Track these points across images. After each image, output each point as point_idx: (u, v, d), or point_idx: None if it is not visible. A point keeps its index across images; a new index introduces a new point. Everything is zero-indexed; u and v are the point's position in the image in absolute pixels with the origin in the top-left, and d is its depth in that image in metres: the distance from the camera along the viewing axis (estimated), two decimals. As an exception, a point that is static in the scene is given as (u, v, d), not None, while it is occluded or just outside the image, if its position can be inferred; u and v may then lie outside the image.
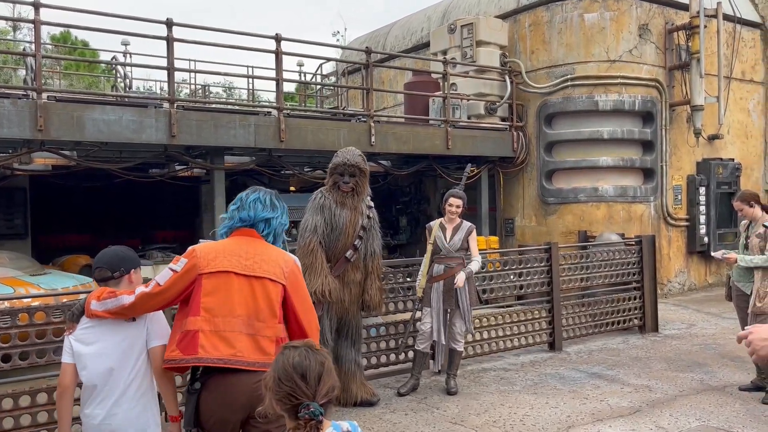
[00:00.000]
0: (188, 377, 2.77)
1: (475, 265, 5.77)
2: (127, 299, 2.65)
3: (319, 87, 17.74)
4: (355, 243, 5.20)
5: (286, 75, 13.55)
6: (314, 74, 16.77)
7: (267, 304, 2.69)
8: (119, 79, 14.12)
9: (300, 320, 2.79)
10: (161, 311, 2.81)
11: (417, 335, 5.97)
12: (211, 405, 2.61)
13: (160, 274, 2.70)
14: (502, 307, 7.56)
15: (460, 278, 5.62)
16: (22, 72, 12.99)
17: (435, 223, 5.92)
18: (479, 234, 11.20)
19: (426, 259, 5.84)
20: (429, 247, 5.83)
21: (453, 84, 11.10)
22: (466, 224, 5.86)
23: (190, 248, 2.77)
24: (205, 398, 2.62)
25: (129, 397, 2.69)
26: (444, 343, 5.91)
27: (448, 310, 5.76)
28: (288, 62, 29.96)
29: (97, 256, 2.88)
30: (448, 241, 5.77)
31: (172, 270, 2.69)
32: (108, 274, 2.81)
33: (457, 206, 5.79)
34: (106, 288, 2.76)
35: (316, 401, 1.81)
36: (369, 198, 5.40)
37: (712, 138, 11.81)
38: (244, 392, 2.56)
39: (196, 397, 2.64)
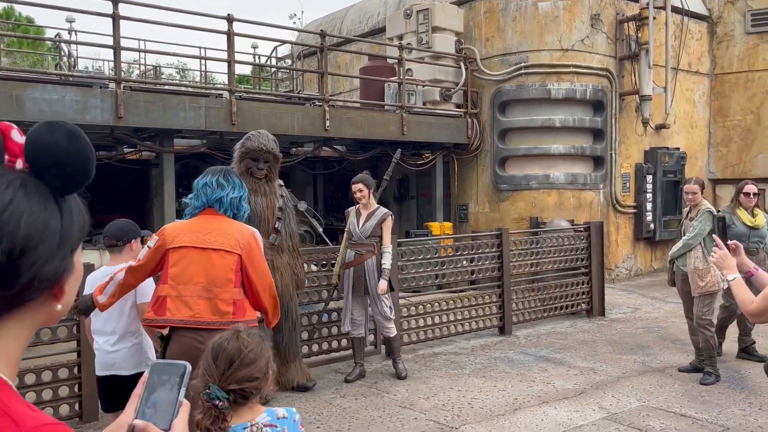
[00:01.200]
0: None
1: (387, 259, 5.62)
2: (121, 275, 3.26)
3: (273, 70, 17.48)
4: (276, 226, 5.18)
5: (240, 57, 13.26)
6: (269, 57, 16.49)
7: (222, 272, 3.16)
8: (64, 58, 13.57)
9: (255, 287, 3.23)
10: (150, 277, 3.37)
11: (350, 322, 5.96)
12: (169, 353, 3.13)
13: (142, 251, 3.29)
14: (454, 291, 7.63)
15: (382, 286, 5.57)
16: (-41, 48, 12.40)
17: (352, 209, 5.84)
18: (434, 219, 11.33)
19: (342, 246, 5.78)
20: (345, 234, 5.77)
21: (408, 70, 11.07)
22: (382, 211, 5.75)
23: (161, 228, 3.34)
24: (169, 347, 3.17)
25: (126, 339, 3.44)
26: (366, 327, 5.91)
27: (360, 296, 5.72)
28: (243, 44, 29.36)
29: (106, 228, 3.58)
30: (360, 227, 5.69)
31: (148, 247, 3.24)
32: (113, 242, 3.52)
33: (359, 190, 5.66)
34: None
35: (222, 385, 1.80)
36: (279, 180, 5.35)
37: (659, 127, 12.13)
38: (191, 345, 3.04)
39: (163, 346, 3.23)
